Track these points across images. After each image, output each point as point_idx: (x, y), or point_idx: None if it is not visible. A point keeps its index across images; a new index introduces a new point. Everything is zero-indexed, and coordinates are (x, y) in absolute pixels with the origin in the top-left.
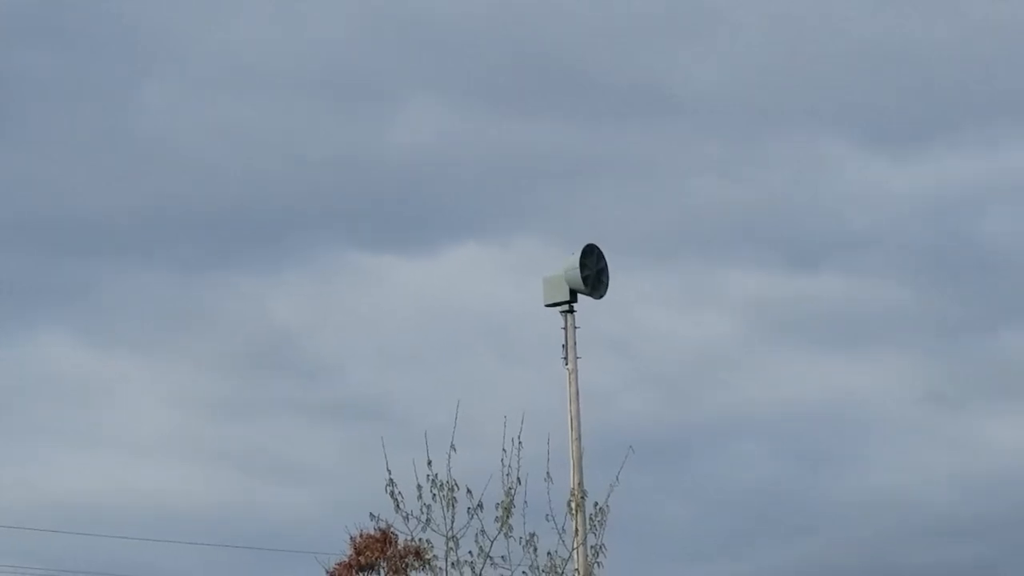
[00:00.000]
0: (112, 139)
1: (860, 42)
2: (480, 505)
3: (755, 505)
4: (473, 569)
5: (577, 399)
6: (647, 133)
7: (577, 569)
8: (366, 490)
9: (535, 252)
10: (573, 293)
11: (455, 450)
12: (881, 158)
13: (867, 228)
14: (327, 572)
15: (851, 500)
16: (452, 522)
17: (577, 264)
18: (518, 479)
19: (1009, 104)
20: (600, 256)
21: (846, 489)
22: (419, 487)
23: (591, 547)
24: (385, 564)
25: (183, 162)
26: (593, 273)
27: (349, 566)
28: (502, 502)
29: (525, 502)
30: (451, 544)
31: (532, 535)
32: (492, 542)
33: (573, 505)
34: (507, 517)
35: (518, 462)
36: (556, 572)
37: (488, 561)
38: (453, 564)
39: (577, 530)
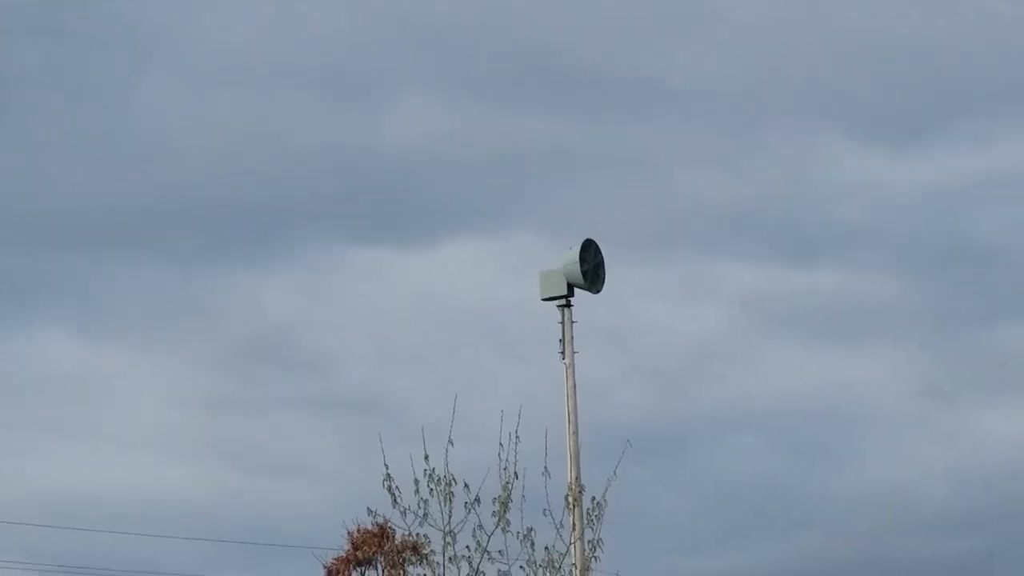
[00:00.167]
0: (109, 135)
1: (857, 37)
2: (477, 500)
3: (752, 498)
4: (471, 564)
5: (574, 393)
6: (644, 127)
7: (575, 563)
8: (363, 485)
9: (532, 246)
10: (570, 287)
11: (452, 444)
12: (878, 152)
13: (863, 222)
14: (324, 567)
15: (847, 494)
16: (449, 517)
17: (577, 259)
18: (515, 473)
19: (1006, 98)
20: (597, 251)
21: (842, 483)
22: (416, 482)
23: (589, 541)
24: (382, 559)
25: (180, 157)
26: (591, 268)
27: (346, 561)
28: (499, 497)
29: (523, 496)
30: (448, 539)
31: (530, 530)
32: (489, 537)
33: (571, 499)
34: (504, 512)
35: (515, 456)
36: (554, 567)
37: (486, 556)
38: (450, 559)
39: (575, 524)
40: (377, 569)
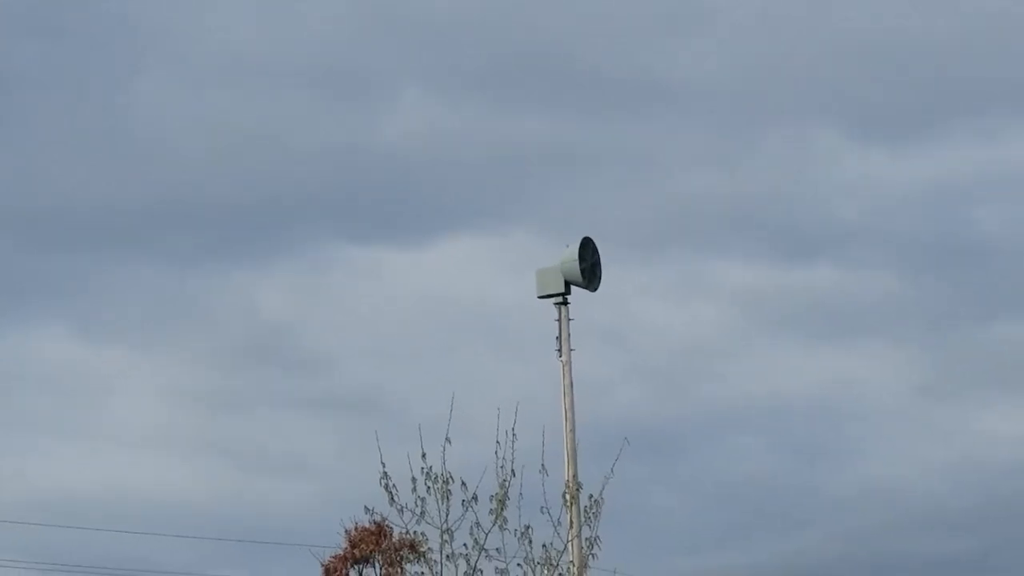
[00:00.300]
0: (108, 134)
1: (855, 36)
2: (475, 498)
3: (750, 497)
4: (468, 561)
5: (571, 391)
6: (642, 126)
7: (572, 561)
8: (360, 483)
9: (530, 245)
10: (567, 285)
11: (450, 442)
12: (875, 149)
13: (862, 221)
14: (322, 565)
15: (845, 492)
16: (447, 515)
17: (576, 256)
18: (513, 471)
19: (1003, 95)
20: (595, 249)
21: (840, 481)
22: (413, 480)
23: (586, 539)
24: (380, 557)
25: (178, 157)
26: (589, 266)
27: (344, 559)
28: (497, 494)
29: (520, 494)
30: (446, 537)
31: (527, 527)
32: (487, 534)
33: (568, 497)
34: (502, 509)
35: (512, 454)
36: (551, 564)
37: (483, 554)
38: (448, 557)
39: (572, 522)
40: (375, 567)
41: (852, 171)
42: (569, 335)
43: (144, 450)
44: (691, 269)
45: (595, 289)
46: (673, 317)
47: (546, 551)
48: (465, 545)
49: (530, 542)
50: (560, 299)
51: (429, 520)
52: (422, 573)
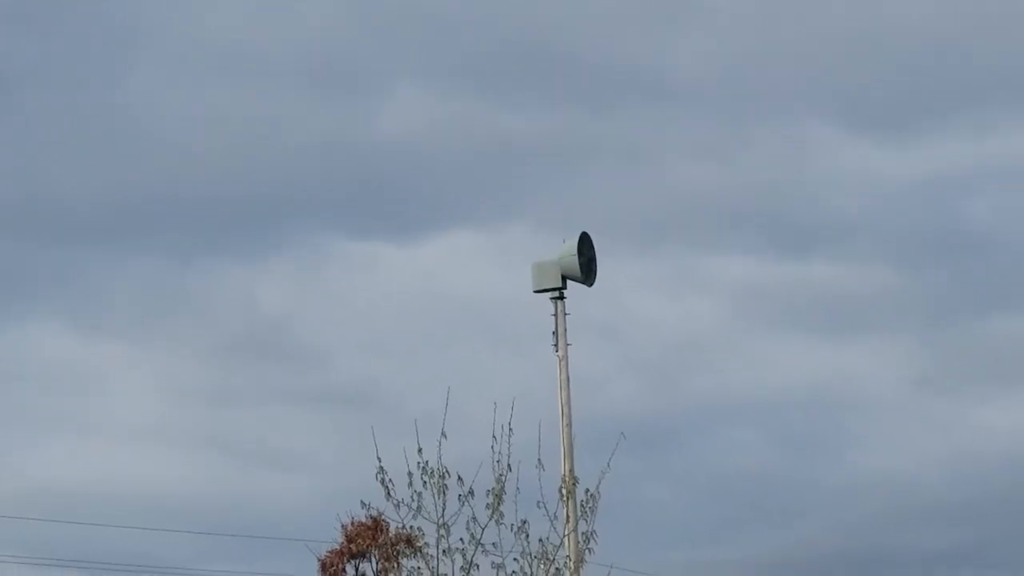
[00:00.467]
0: (103, 129)
1: (851, 28)
2: (471, 492)
3: (746, 490)
4: (464, 556)
5: (568, 385)
6: (636, 119)
7: (569, 555)
8: (357, 478)
9: (524, 239)
10: (563, 279)
11: (446, 437)
12: (870, 142)
13: (856, 213)
14: (318, 560)
15: (842, 485)
16: (443, 509)
17: (575, 251)
18: (509, 466)
19: (999, 88)
20: (591, 243)
21: (837, 474)
22: (410, 475)
23: (583, 533)
24: (376, 552)
25: (171, 150)
26: (586, 260)
27: (340, 554)
28: (493, 489)
29: (516, 489)
30: (442, 531)
31: (523, 522)
32: (483, 529)
33: (564, 492)
34: (498, 504)
35: (508, 449)
36: (548, 558)
37: (479, 548)
38: (444, 551)
39: (569, 517)
40: (371, 562)
41: (849, 164)
42: (565, 330)
43: (141, 445)
44: (686, 263)
45: (591, 284)
46: (668, 311)
47: (542, 545)
48: (461, 540)
49: (527, 537)
50: (556, 294)
51: (425, 515)
52: (419, 568)
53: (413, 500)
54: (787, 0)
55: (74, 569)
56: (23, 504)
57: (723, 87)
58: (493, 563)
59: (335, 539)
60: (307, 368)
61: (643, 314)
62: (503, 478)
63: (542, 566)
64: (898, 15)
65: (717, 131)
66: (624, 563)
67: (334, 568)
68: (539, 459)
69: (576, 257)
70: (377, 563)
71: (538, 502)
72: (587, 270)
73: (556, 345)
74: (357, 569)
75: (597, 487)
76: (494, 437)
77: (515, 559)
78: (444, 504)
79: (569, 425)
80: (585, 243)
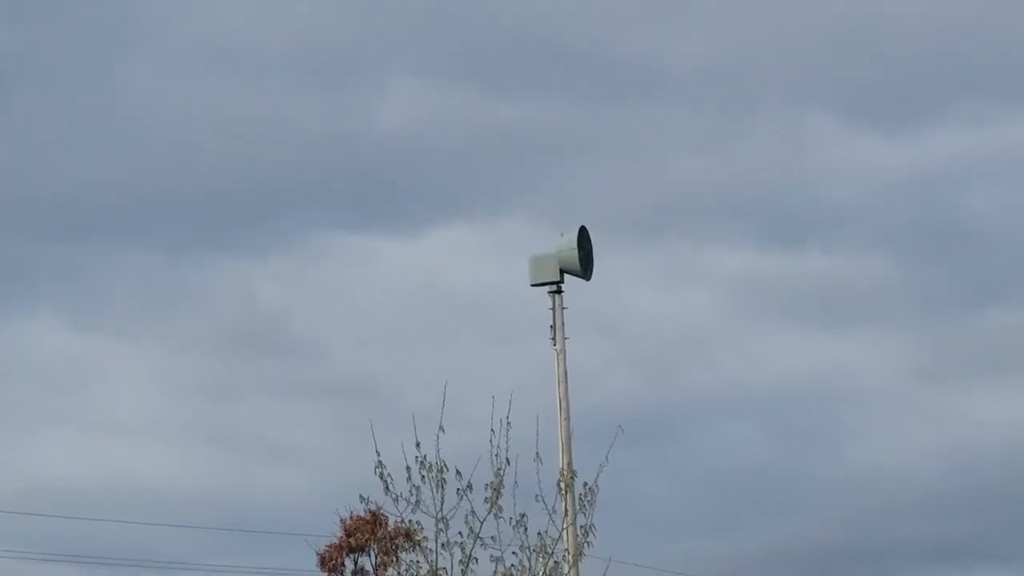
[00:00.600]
0: (97, 122)
1: (845, 18)
2: (470, 486)
3: (743, 483)
4: (463, 550)
5: (566, 379)
6: (633, 111)
7: (567, 549)
8: (355, 472)
9: (521, 232)
10: (561, 273)
11: (444, 431)
12: (866, 134)
13: (853, 205)
14: (317, 554)
15: (838, 478)
16: (442, 503)
17: (575, 245)
18: (507, 460)
19: (996, 81)
20: (588, 238)
21: (833, 467)
22: (408, 469)
23: (581, 527)
24: (375, 545)
25: (168, 145)
26: (585, 254)
27: (339, 547)
28: (491, 483)
29: (515, 483)
30: (441, 525)
31: (522, 516)
32: (482, 523)
33: (563, 485)
34: (497, 498)
35: (507, 443)
36: (546, 552)
37: (478, 542)
38: (443, 545)
39: (567, 510)
40: (370, 556)
41: (846, 157)
42: (563, 323)
43: (140, 440)
44: (683, 256)
45: (589, 278)
46: (665, 304)
47: (541, 539)
48: (460, 533)
49: (525, 530)
50: (554, 287)
51: (424, 509)
52: (417, 562)
53: (412, 494)
54: None
55: (74, 564)
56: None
57: (720, 80)
58: (492, 557)
59: (334, 533)
60: (305, 362)
61: (640, 307)
62: (501, 472)
63: (541, 560)
64: (895, 8)
65: (714, 124)
66: (622, 556)
67: (333, 562)
68: (537, 453)
69: (576, 251)
70: (376, 557)
71: (536, 496)
72: (586, 264)
73: (554, 339)
74: (356, 563)
75: (595, 480)
76: (492, 431)
77: (514, 553)
78: (443, 498)
79: (567, 419)
80: (583, 237)
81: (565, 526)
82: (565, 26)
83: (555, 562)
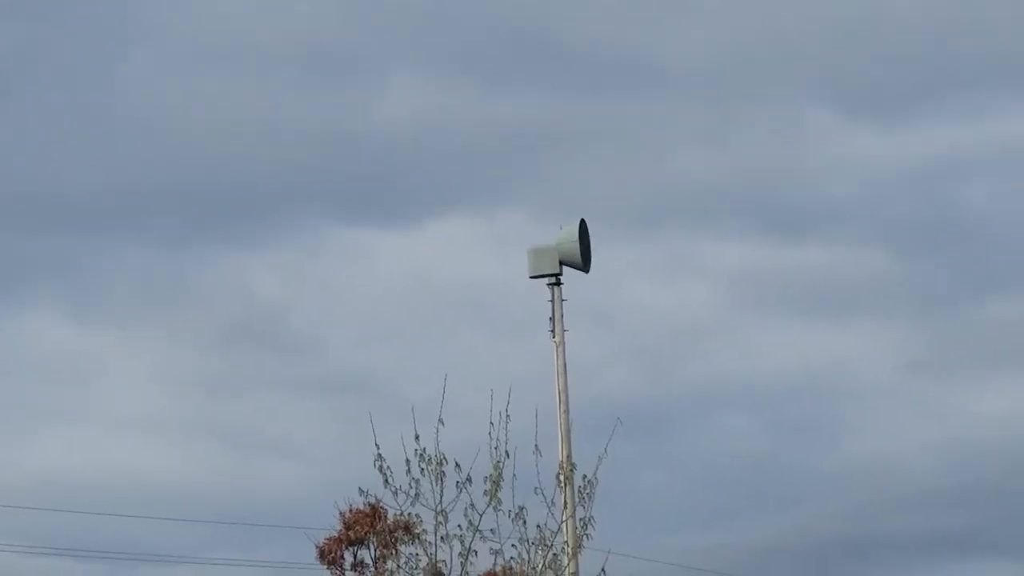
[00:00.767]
0: (94, 115)
1: (843, 12)
2: (469, 479)
3: (740, 476)
4: (462, 543)
5: (565, 372)
6: (630, 104)
7: (567, 541)
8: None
9: (518, 224)
10: (560, 265)
11: (443, 424)
12: (864, 128)
13: (851, 197)
14: (317, 547)
15: (835, 470)
16: (441, 496)
17: (576, 237)
18: (506, 452)
19: (993, 72)
20: (586, 231)
21: (830, 459)
22: (407, 462)
23: (580, 519)
24: (374, 538)
25: (167, 139)
26: (585, 247)
27: (339, 541)
28: (490, 476)
29: (514, 475)
30: (440, 518)
31: (521, 508)
32: (481, 516)
33: (562, 478)
34: (496, 491)
35: (506, 435)
36: (546, 544)
37: (477, 534)
38: (442, 538)
39: (566, 502)
40: (369, 549)
41: (843, 150)
42: (562, 316)
43: (139, 434)
44: (680, 249)
45: (588, 271)
46: (662, 297)
47: (540, 531)
48: (460, 526)
49: (524, 523)
50: (553, 280)
51: (423, 502)
52: (417, 554)
53: (411, 487)
54: None
55: (73, 558)
56: (21, 493)
57: (718, 73)
58: (491, 549)
59: (333, 526)
60: (305, 356)
61: (639, 300)
62: (500, 464)
63: (540, 552)
64: (893, 2)
65: (713, 118)
66: (621, 549)
67: (332, 555)
68: (536, 445)
69: (576, 243)
70: (375, 550)
71: (536, 488)
72: (585, 256)
73: (553, 331)
74: (355, 556)
75: (594, 473)
76: (491, 423)
77: (513, 545)
78: (442, 491)
79: (566, 411)
80: (582, 229)
81: (564, 519)
82: (563, 20)
83: (554, 555)
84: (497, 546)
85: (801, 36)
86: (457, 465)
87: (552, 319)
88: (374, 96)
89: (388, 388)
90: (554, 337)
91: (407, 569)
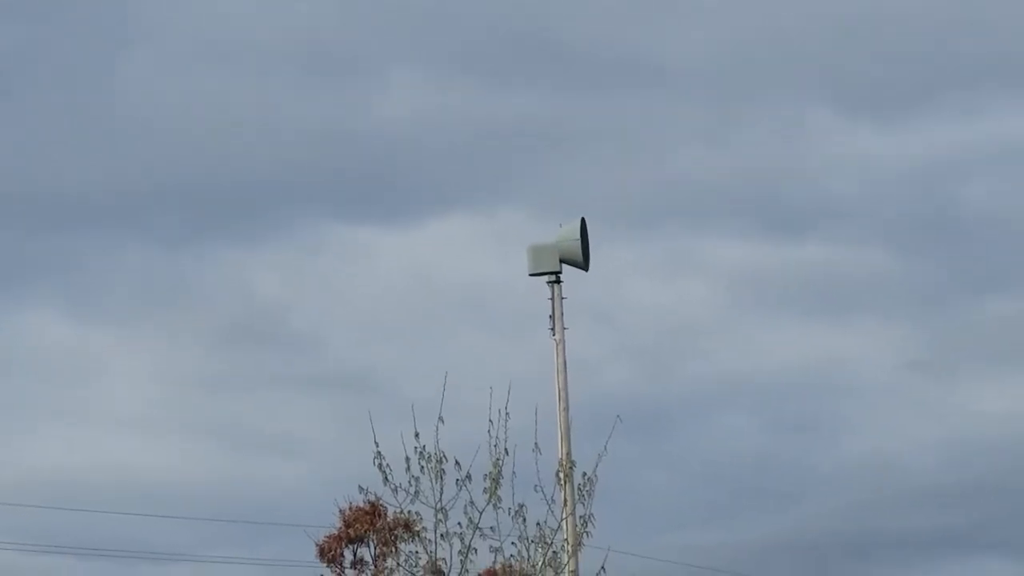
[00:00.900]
0: (94, 114)
1: (843, 11)
2: (469, 477)
3: (740, 474)
4: (462, 540)
5: (564, 370)
6: (630, 103)
7: (566, 539)
8: (354, 463)
9: (518, 223)
10: (560, 263)
11: (443, 422)
12: (864, 126)
13: (851, 196)
14: (316, 544)
15: (835, 468)
16: (441, 494)
17: (577, 235)
18: (506, 450)
19: (993, 70)
20: (585, 229)
21: (830, 457)
22: (407, 459)
23: (580, 517)
24: (374, 536)
25: (167, 137)
26: (585, 245)
27: (338, 538)
28: (490, 473)
29: (514, 473)
30: (440, 516)
31: (521, 506)
32: (481, 513)
33: (562, 475)
34: (495, 488)
35: (505, 433)
36: (545, 542)
37: (477, 532)
38: (442, 536)
39: (566, 500)
40: (369, 547)
41: (843, 148)
42: (562, 314)
43: (138, 431)
44: (681, 247)
45: (587, 268)
46: (662, 295)
47: (540, 529)
48: (459, 524)
49: (524, 520)
50: (553, 278)
51: (423, 499)
52: (416, 552)
53: (411, 485)
54: None
55: (73, 556)
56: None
57: (718, 72)
58: (491, 547)
59: (333, 524)
60: (304, 354)
61: (639, 299)
62: (500, 462)
63: (540, 550)
64: (893, 1)
65: (713, 117)
66: (621, 546)
67: (332, 553)
68: (536, 443)
69: (578, 242)
70: (375, 548)
71: (535, 486)
72: (585, 254)
73: (553, 329)
74: (355, 554)
75: (594, 471)
76: (491, 421)
77: (513, 543)
78: (442, 489)
79: (566, 409)
80: (582, 228)
81: (564, 516)
82: (563, 19)
83: (554, 552)
84: (497, 544)
85: (801, 35)
86: (457, 463)
87: (552, 317)
88: (374, 95)
89: (388, 386)
90: (554, 335)
91: (407, 567)
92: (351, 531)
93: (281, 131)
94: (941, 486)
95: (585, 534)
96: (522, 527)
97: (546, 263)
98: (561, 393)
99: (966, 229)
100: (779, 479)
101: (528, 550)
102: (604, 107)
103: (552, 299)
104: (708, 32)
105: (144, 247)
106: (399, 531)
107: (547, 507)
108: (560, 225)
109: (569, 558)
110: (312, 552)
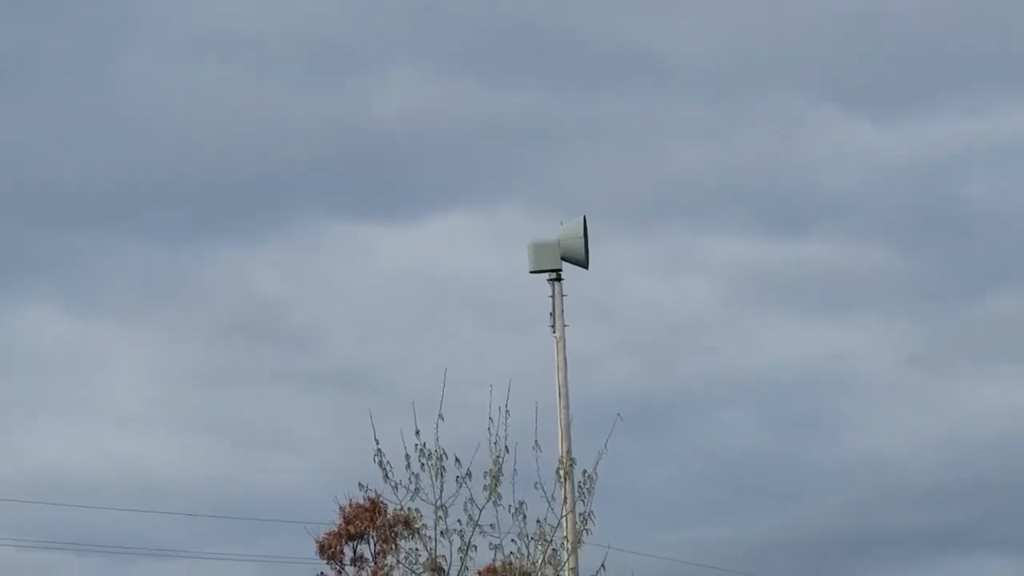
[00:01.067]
0: (95, 110)
1: (843, 5)
2: (468, 474)
3: (740, 471)
4: (462, 537)
5: (565, 367)
6: (630, 99)
7: (566, 536)
8: (354, 460)
9: (518, 220)
10: (560, 260)
11: (443, 419)
12: (865, 121)
13: (852, 192)
14: (316, 541)
15: (836, 465)
16: (441, 491)
17: (580, 233)
18: (506, 447)
19: (993, 67)
20: (586, 226)
21: (831, 454)
22: (407, 456)
23: (580, 514)
24: (374, 533)
25: (167, 133)
26: (585, 242)
27: (338, 535)
28: (490, 471)
29: (514, 470)
30: (440, 513)
31: (521, 503)
32: (481, 511)
33: (562, 473)
34: (496, 486)
35: (506, 430)
36: (545, 539)
37: (477, 529)
38: (442, 533)
39: (566, 498)
40: (369, 544)
41: (844, 144)
42: (563, 311)
43: (138, 428)
44: (680, 244)
45: (587, 266)
46: (663, 292)
47: (540, 527)
48: (459, 521)
49: (524, 518)
50: (554, 275)
51: (423, 496)
52: (416, 549)
53: (411, 482)
54: None
55: (72, 552)
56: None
57: (718, 67)
58: (491, 544)
59: (333, 521)
60: (304, 350)
61: (639, 295)
62: (500, 459)
63: (540, 547)
64: None
65: (712, 111)
66: (621, 544)
67: (332, 550)
68: (536, 440)
69: (579, 239)
70: (375, 545)
71: (536, 483)
72: (586, 252)
73: (553, 327)
74: (355, 551)
75: (594, 468)
76: (491, 419)
77: (513, 540)
78: (442, 486)
79: (566, 406)
80: (584, 225)
81: (564, 514)
82: (563, 14)
83: (554, 550)
84: (497, 541)
85: (802, 32)
86: (457, 460)
87: (552, 314)
88: (374, 92)
89: (388, 383)
90: (554, 332)
91: (407, 564)
92: (351, 528)
93: (281, 128)
94: (942, 483)
95: (585, 531)
96: (522, 524)
97: (547, 260)
98: (561, 390)
99: (967, 226)
100: (779, 476)
101: (528, 547)
102: (605, 104)
103: (553, 296)
104: (709, 29)
105: (144, 244)
106: (399, 528)
107: (547, 504)
108: (561, 223)
109: (569, 555)
110: (312, 549)
